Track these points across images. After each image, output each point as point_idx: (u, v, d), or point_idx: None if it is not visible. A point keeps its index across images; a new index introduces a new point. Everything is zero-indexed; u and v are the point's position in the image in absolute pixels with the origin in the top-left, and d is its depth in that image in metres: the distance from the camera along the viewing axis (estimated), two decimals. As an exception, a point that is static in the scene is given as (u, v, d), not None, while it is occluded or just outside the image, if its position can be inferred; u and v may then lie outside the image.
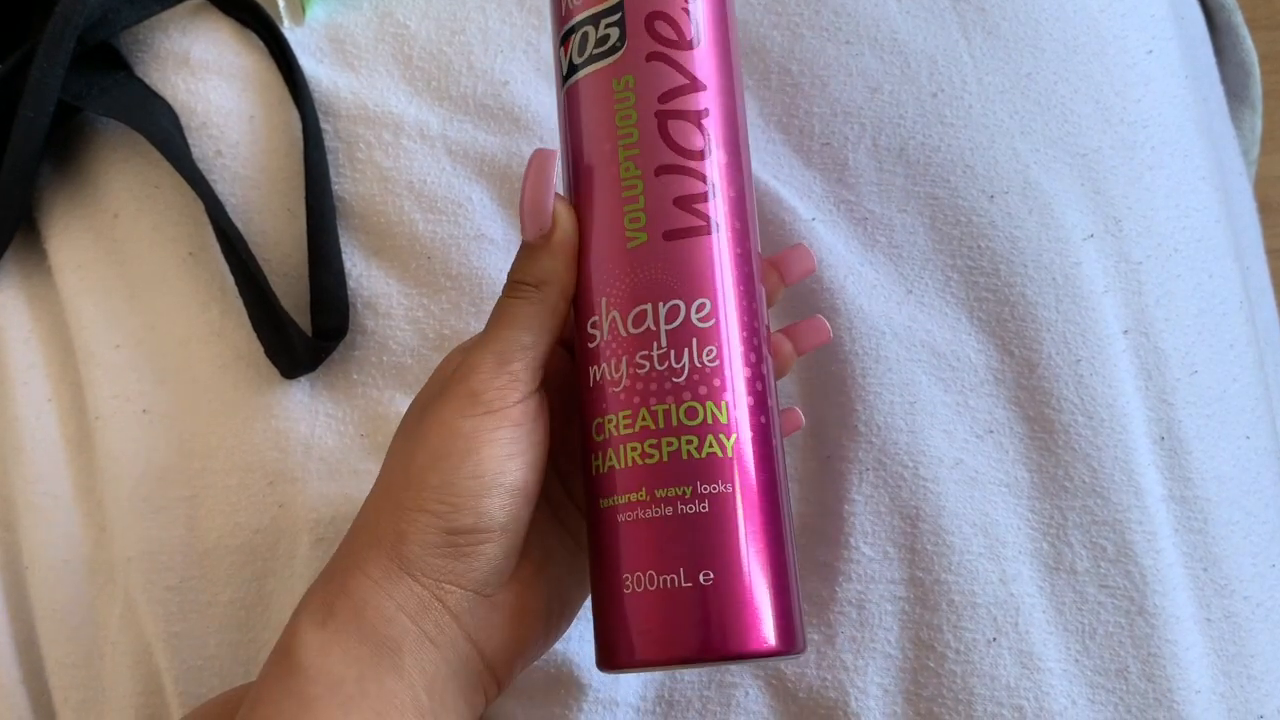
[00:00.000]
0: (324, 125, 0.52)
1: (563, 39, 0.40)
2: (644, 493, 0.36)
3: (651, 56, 0.38)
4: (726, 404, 0.37)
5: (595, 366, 0.38)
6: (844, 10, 0.49)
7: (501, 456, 0.37)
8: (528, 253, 0.39)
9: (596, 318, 0.38)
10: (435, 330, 0.50)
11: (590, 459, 0.38)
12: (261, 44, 0.53)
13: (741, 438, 0.37)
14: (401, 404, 0.49)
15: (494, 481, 0.36)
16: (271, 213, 0.52)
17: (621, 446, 0.37)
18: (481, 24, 0.51)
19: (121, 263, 0.52)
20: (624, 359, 0.37)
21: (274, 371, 0.50)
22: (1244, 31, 0.69)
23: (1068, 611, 0.45)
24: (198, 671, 0.49)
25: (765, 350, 0.39)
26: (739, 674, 0.46)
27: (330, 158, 0.51)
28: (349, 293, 0.50)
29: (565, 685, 0.46)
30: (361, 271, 0.51)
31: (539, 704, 0.46)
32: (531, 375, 0.38)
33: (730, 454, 0.37)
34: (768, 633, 0.36)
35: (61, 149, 0.54)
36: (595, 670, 0.45)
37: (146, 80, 0.53)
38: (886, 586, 0.45)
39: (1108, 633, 0.45)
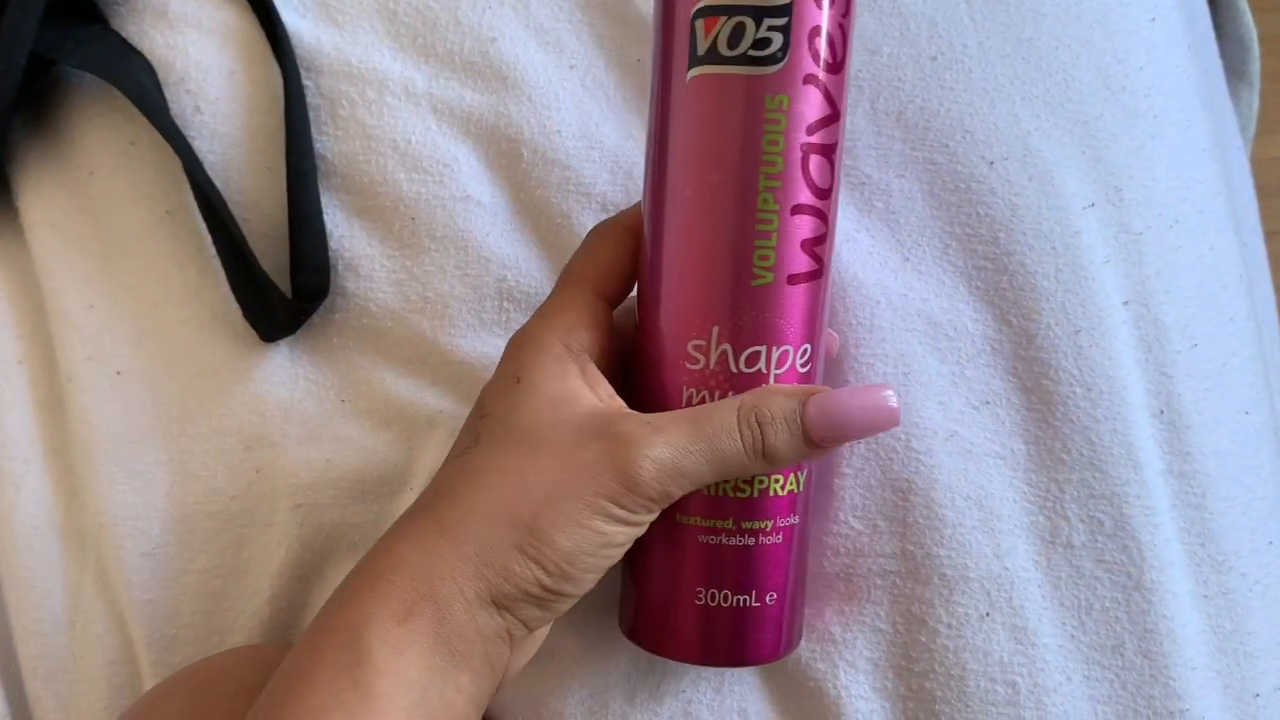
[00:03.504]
0: (306, 82, 0.50)
1: (702, 12, 0.36)
2: (731, 523, 0.39)
3: (808, 79, 0.36)
4: None
5: (693, 389, 0.38)
6: (842, -30, 0.48)
7: (622, 546, 0.37)
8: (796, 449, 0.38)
9: (703, 343, 0.38)
10: (418, 293, 0.48)
11: None
12: (242, -3, 0.51)
13: (809, 473, 0.41)
14: (383, 369, 0.48)
15: (606, 565, 0.37)
16: (251, 171, 0.50)
17: None
18: (469, -21, 0.50)
19: (96, 221, 0.51)
20: (730, 394, 0.38)
21: (252, 333, 0.49)
22: (1244, 6, 0.68)
23: (1063, 586, 0.44)
24: (171, 640, 0.48)
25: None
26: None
27: (312, 115, 0.50)
28: (330, 254, 0.49)
29: (558, 654, 0.45)
30: (343, 232, 0.49)
31: (532, 670, 0.45)
32: None
33: (802, 489, 0.40)
34: (797, 638, 0.42)
35: (35, 103, 0.52)
36: (588, 637, 0.44)
37: (123, 33, 0.51)
38: (876, 560, 0.44)
39: (1104, 608, 0.44)
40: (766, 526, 0.39)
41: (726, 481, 0.38)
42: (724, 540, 0.39)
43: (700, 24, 0.36)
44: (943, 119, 0.47)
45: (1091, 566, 0.44)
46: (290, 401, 0.48)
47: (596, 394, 0.38)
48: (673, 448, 0.36)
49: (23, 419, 0.50)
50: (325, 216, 0.49)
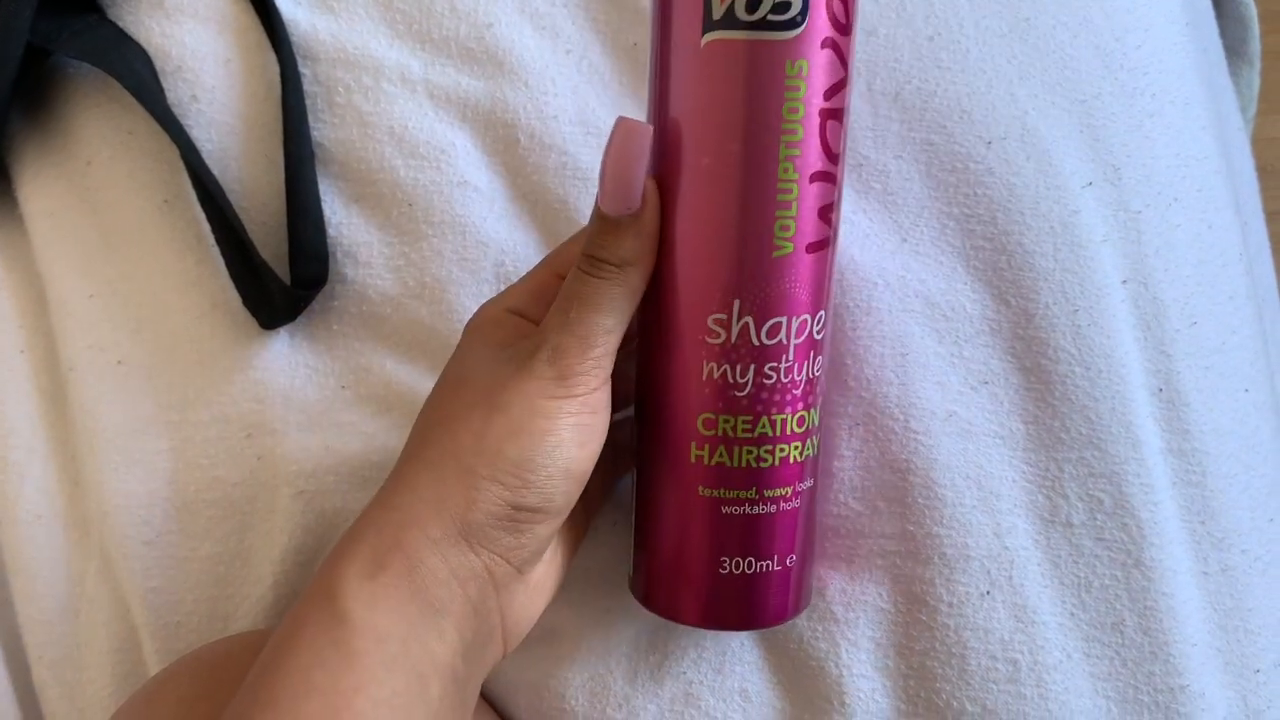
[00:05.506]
0: (302, 69, 0.50)
1: None
2: (754, 491, 0.39)
3: (825, 43, 0.35)
4: (819, 408, 0.40)
5: (713, 364, 0.38)
6: (838, -49, 0.48)
7: (576, 443, 0.37)
8: (613, 230, 0.37)
9: (724, 317, 0.37)
10: (416, 279, 0.48)
11: (690, 446, 0.39)
12: (238, -15, 0.51)
13: (822, 435, 0.41)
14: (383, 355, 0.48)
15: (565, 466, 0.37)
16: (249, 159, 0.50)
17: (737, 448, 0.38)
18: (464, -36, 0.50)
19: (95, 211, 0.51)
20: (752, 367, 0.38)
21: (252, 322, 0.49)
22: (1243, -16, 0.68)
23: (1063, 565, 0.44)
24: (175, 628, 0.48)
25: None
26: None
27: (309, 103, 0.50)
28: (328, 241, 0.49)
29: (559, 635, 0.46)
30: (341, 219, 0.49)
31: (534, 652, 0.46)
32: (610, 361, 0.38)
33: (817, 452, 0.41)
34: (808, 598, 0.42)
35: (31, 94, 0.52)
36: (588, 618, 0.45)
37: (119, 23, 0.51)
38: (876, 540, 0.45)
39: (1104, 586, 0.44)
40: (787, 493, 0.40)
41: (749, 452, 0.39)
42: (748, 510, 0.39)
43: None
44: (940, 99, 0.47)
45: (1091, 545, 0.44)
46: (290, 389, 0.49)
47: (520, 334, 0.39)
48: (558, 325, 0.37)
49: (25, 408, 0.51)
50: (323, 204, 0.49)
